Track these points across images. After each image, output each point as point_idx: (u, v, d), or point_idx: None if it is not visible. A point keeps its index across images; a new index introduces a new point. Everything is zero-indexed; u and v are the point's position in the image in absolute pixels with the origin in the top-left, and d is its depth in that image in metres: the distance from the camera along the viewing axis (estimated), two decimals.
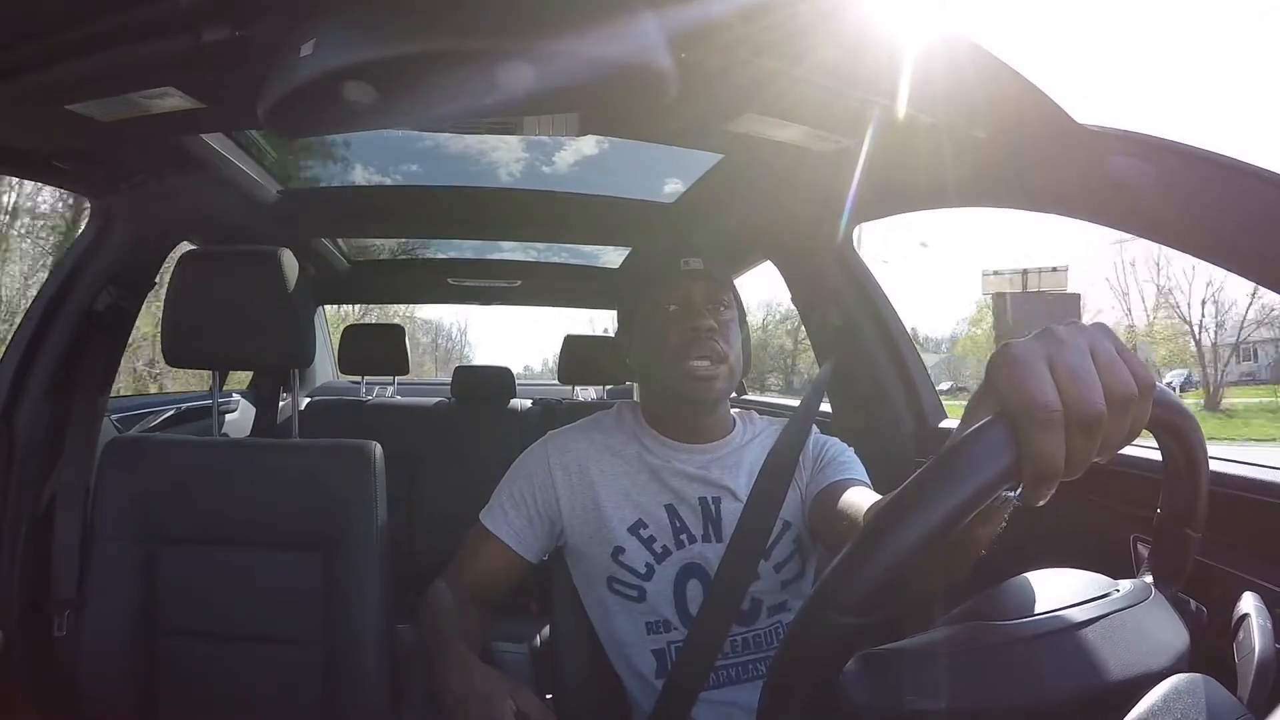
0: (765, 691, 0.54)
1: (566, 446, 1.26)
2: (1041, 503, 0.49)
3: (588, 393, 3.77)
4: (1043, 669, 0.53)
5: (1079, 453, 0.48)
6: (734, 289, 1.27)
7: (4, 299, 9.73)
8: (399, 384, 3.37)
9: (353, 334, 2.99)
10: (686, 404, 1.21)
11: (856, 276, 1.78)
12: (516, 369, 3.10)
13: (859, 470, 1.22)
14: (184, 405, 2.36)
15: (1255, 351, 23.38)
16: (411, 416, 2.87)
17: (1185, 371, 21.38)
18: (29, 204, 10.31)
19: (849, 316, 1.80)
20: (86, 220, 1.49)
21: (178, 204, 1.55)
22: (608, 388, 3.59)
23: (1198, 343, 20.88)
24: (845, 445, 1.27)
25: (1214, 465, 0.72)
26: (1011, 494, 0.54)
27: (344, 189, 1.86)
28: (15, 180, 9.36)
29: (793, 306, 2.01)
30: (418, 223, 2.19)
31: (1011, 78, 0.83)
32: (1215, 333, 21.03)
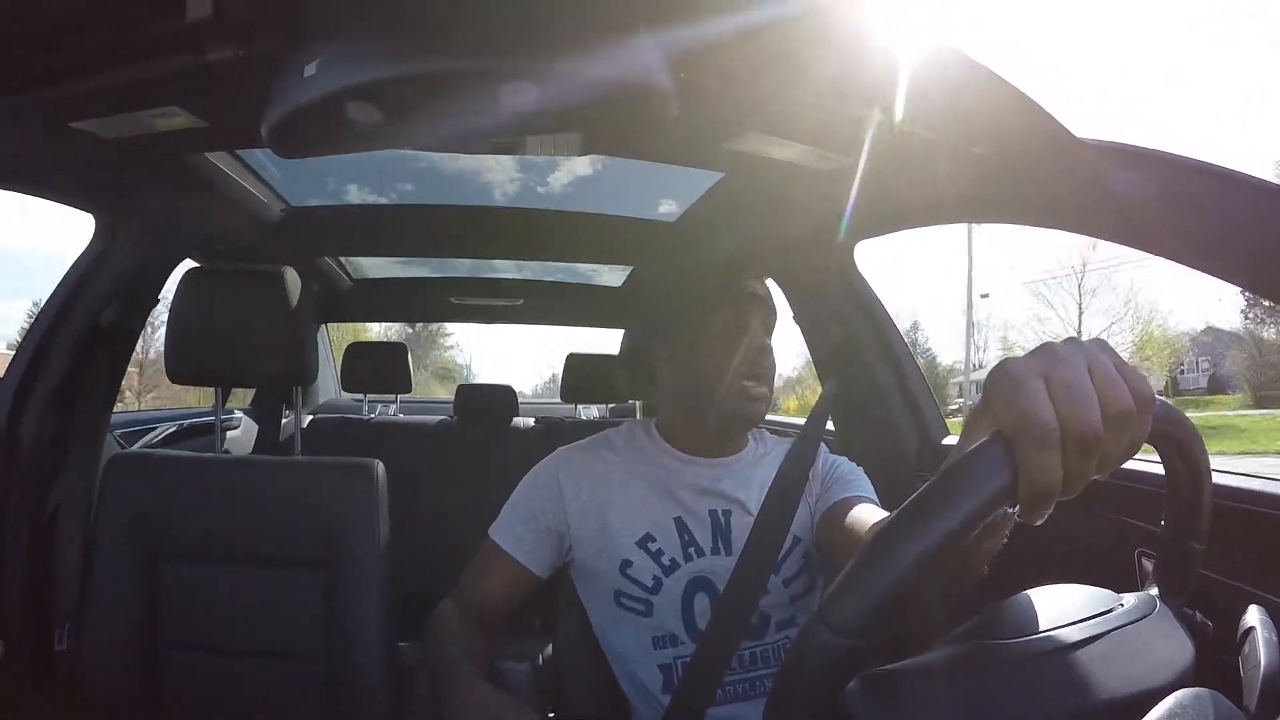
0: (766, 713, 0.54)
1: (575, 463, 1.26)
2: (1040, 522, 0.49)
3: (590, 411, 3.77)
4: (1047, 687, 0.53)
5: (1076, 471, 0.47)
6: (775, 312, 1.29)
7: None
8: (401, 402, 3.37)
9: (355, 352, 2.99)
10: (738, 422, 1.22)
11: (858, 293, 1.78)
12: None
13: (867, 488, 1.22)
14: (186, 422, 2.36)
15: None
16: (414, 435, 2.86)
17: None
18: None
19: (851, 333, 1.80)
20: (91, 237, 1.49)
21: (181, 222, 1.56)
22: (610, 406, 3.58)
23: None
24: (855, 465, 1.28)
25: (1218, 478, 0.72)
26: (1013, 510, 0.54)
27: (348, 208, 1.87)
28: None
29: None
30: (420, 241, 2.19)
31: (1009, 93, 0.84)
32: None
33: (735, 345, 1.20)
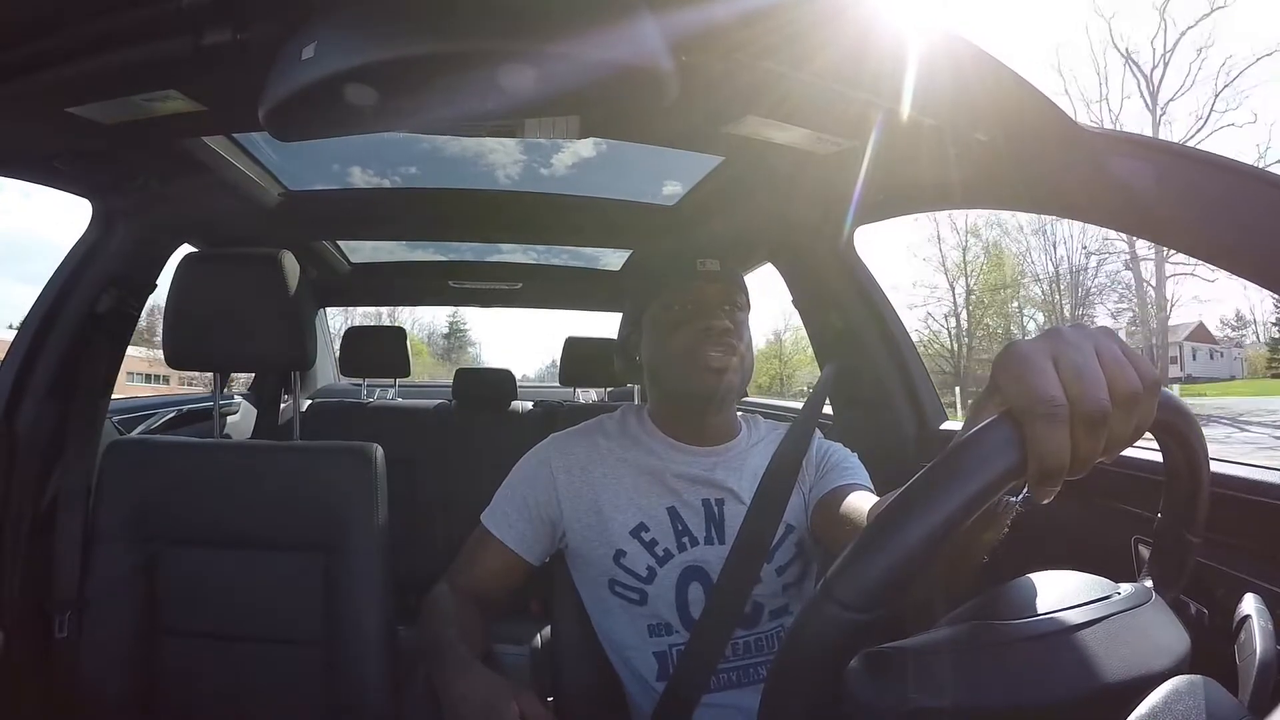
0: (768, 686, 0.54)
1: (568, 449, 1.26)
2: (1048, 500, 0.50)
3: (589, 395, 3.77)
4: (1046, 669, 0.53)
5: (1084, 449, 0.48)
6: (746, 290, 1.27)
7: None
8: (399, 385, 3.37)
9: (354, 336, 2.99)
10: (697, 399, 1.21)
11: (858, 278, 1.78)
12: None
13: (863, 476, 1.22)
14: (185, 407, 2.36)
15: None
16: (412, 419, 2.86)
17: None
18: None
19: (850, 318, 1.79)
20: (89, 223, 1.48)
21: (179, 206, 1.55)
22: (609, 390, 3.58)
23: None
24: (849, 451, 1.28)
25: (1215, 466, 0.72)
26: (1015, 499, 0.54)
27: (345, 191, 1.86)
28: None
29: None
30: (419, 225, 2.18)
31: (1012, 80, 0.83)
32: None
33: (689, 324, 1.19)
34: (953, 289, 27.46)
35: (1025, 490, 0.51)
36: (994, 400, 0.52)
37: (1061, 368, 0.48)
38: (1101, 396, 0.48)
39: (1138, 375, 0.49)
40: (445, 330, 38.73)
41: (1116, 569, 0.67)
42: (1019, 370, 0.49)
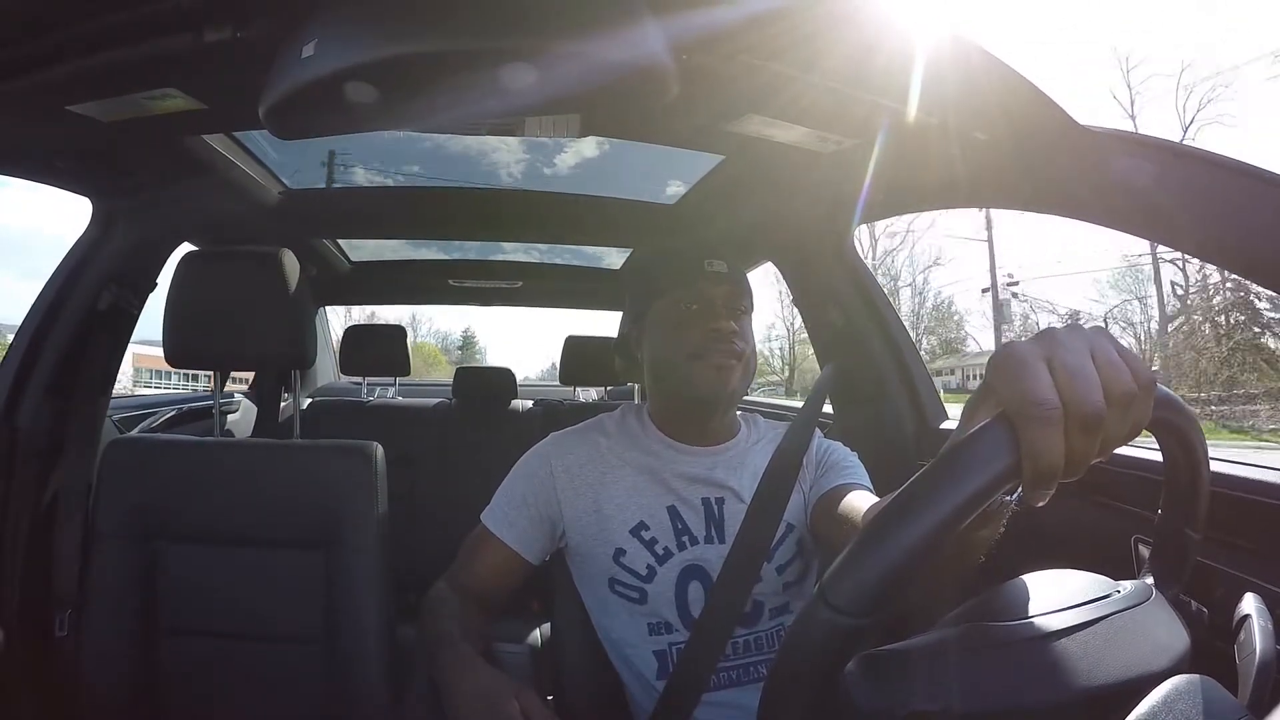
0: (765, 692, 0.54)
1: (568, 448, 1.26)
2: (1042, 503, 0.49)
3: (589, 394, 3.76)
4: (1044, 670, 0.53)
5: (1079, 451, 0.48)
6: (751, 291, 1.27)
7: None
8: (400, 384, 3.36)
9: (354, 335, 2.98)
10: (701, 401, 1.21)
11: (858, 277, 1.78)
12: None
13: (862, 475, 1.22)
14: (185, 406, 2.36)
15: None
16: (413, 417, 2.86)
17: None
18: None
19: (850, 317, 1.79)
20: (89, 222, 1.48)
21: (179, 205, 1.55)
22: (608, 389, 3.58)
23: None
24: (849, 450, 1.27)
25: (1215, 466, 0.72)
26: (1010, 498, 0.54)
27: (346, 190, 1.85)
28: None
29: None
30: (419, 224, 2.18)
31: (1012, 78, 0.83)
32: None
33: (696, 326, 1.19)
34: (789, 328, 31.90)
35: (1020, 491, 0.50)
36: (988, 402, 0.51)
37: (1055, 369, 0.48)
38: (1096, 398, 0.47)
39: (1132, 375, 0.49)
40: (459, 342, 40.83)
41: (1116, 568, 0.67)
42: (1012, 372, 0.49)
